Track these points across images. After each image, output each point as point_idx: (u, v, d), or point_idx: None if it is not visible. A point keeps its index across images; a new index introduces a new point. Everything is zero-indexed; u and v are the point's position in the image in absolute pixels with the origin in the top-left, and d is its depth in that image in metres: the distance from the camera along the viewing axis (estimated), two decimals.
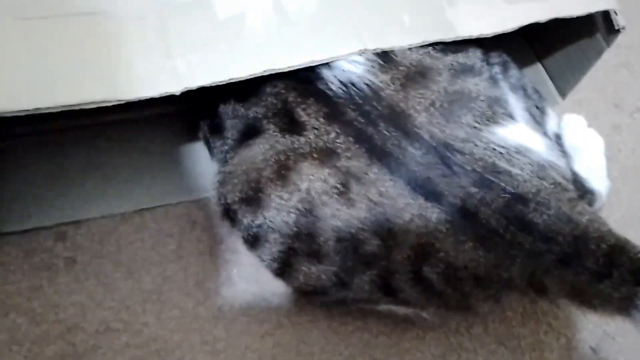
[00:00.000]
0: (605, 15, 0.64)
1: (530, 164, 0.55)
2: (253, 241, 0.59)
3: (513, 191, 0.53)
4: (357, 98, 0.55)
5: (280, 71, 0.52)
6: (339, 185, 0.53)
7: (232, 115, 0.60)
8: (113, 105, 0.49)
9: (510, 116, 0.57)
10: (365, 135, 0.54)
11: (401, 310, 0.63)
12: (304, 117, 0.55)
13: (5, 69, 0.48)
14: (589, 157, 0.69)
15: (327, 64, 0.55)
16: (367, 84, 0.55)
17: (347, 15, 0.56)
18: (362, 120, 0.54)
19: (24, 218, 0.71)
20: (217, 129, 0.62)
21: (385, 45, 0.55)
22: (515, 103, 0.60)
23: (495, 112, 0.56)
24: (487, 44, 0.62)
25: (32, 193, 0.72)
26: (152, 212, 0.74)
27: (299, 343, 0.68)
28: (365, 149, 0.54)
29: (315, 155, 0.54)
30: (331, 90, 0.55)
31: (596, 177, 0.68)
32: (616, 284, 0.52)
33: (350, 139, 0.54)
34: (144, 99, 0.49)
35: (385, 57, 0.56)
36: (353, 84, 0.55)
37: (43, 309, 0.67)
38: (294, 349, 0.68)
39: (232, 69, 0.52)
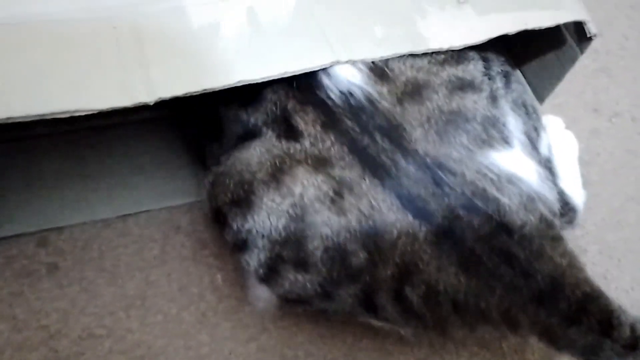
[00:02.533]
0: (578, 23, 0.65)
1: (519, 195, 0.54)
2: (241, 246, 0.58)
3: (499, 220, 0.53)
4: (354, 108, 0.55)
5: (254, 82, 0.52)
6: (331, 194, 0.53)
7: (232, 120, 0.60)
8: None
9: (506, 141, 0.57)
10: (360, 145, 0.54)
11: (379, 324, 0.63)
12: (301, 124, 0.55)
13: None
14: (565, 165, 0.70)
15: (327, 73, 0.56)
16: (365, 95, 0.55)
17: (319, 27, 0.56)
18: (358, 130, 0.54)
19: (5, 224, 0.70)
20: (214, 133, 0.61)
21: (357, 56, 0.55)
22: (514, 124, 0.59)
23: (491, 135, 0.56)
24: (490, 50, 0.62)
25: (14, 199, 0.71)
26: (135, 218, 0.73)
27: (284, 347, 0.68)
28: (359, 159, 0.54)
29: (309, 162, 0.54)
30: (330, 99, 0.55)
31: (574, 187, 0.69)
32: (583, 332, 0.53)
33: (345, 148, 0.54)
34: (117, 108, 0.49)
35: (383, 69, 0.57)
36: (352, 94, 0.55)
37: (25, 316, 0.67)
38: (279, 354, 0.68)
39: (206, 79, 0.52)
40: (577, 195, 0.70)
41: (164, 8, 0.55)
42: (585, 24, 0.64)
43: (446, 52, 0.59)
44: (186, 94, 0.51)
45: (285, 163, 0.55)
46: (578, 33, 0.66)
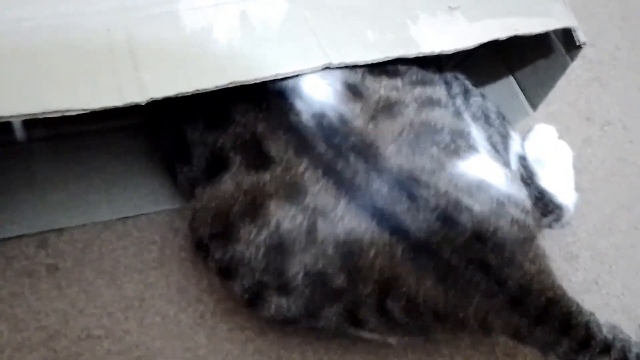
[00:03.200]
0: (568, 32, 0.67)
1: (490, 201, 0.56)
2: (225, 273, 0.59)
3: (473, 229, 0.54)
4: (327, 129, 0.55)
5: (245, 83, 0.52)
6: (305, 223, 0.54)
7: (198, 142, 0.60)
8: (95, 114, 0.49)
9: (473, 148, 0.58)
10: (335, 169, 0.54)
11: (368, 335, 0.64)
12: (272, 150, 0.55)
13: None
14: (558, 169, 0.72)
15: (298, 94, 0.55)
16: (338, 115, 0.55)
17: (312, 31, 0.56)
18: (332, 154, 0.54)
19: (6, 225, 0.71)
20: (183, 154, 0.62)
21: (349, 60, 0.55)
22: (477, 134, 0.61)
23: (459, 145, 0.57)
24: (448, 72, 0.65)
25: (15, 200, 0.72)
26: (135, 220, 0.74)
27: (280, 349, 0.69)
28: (334, 182, 0.53)
29: (281, 193, 0.54)
30: (302, 122, 0.55)
31: (564, 190, 0.71)
32: (547, 331, 0.57)
33: (319, 172, 0.54)
34: (108, 108, 0.49)
35: (355, 89, 0.57)
36: (324, 115, 0.55)
37: (25, 316, 0.68)
38: (275, 356, 0.69)
39: (198, 80, 0.52)
40: (565, 195, 0.71)
41: (157, 12, 0.56)
42: (574, 32, 0.65)
43: (416, 74, 0.60)
44: (178, 94, 0.51)
45: (257, 198, 0.55)
46: (568, 42, 0.67)
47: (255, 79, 0.52)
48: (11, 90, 0.49)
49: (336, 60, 0.55)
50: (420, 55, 0.58)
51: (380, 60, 0.56)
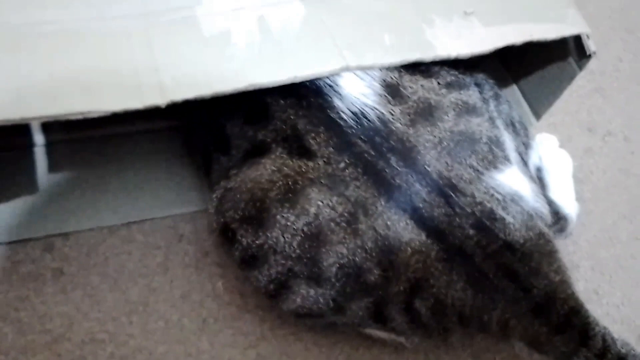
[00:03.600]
0: (577, 42, 0.67)
1: (521, 213, 0.57)
2: (251, 261, 0.59)
3: (505, 239, 0.56)
4: (368, 129, 0.56)
5: (264, 87, 0.53)
6: (346, 215, 0.54)
7: (239, 136, 0.60)
8: (104, 119, 0.50)
9: (507, 159, 0.60)
10: (376, 168, 0.55)
11: (381, 335, 0.65)
12: (313, 145, 0.56)
13: None
14: (560, 179, 0.73)
15: (338, 93, 0.56)
16: (378, 116, 0.56)
17: (329, 34, 0.57)
18: (373, 153, 0.55)
19: (13, 229, 0.72)
20: (223, 146, 0.61)
21: (366, 63, 0.56)
22: (509, 143, 0.62)
23: (496, 155, 0.58)
24: (479, 74, 0.65)
25: (21, 205, 0.73)
26: (140, 225, 0.75)
27: (282, 355, 0.69)
28: (374, 181, 0.54)
29: (323, 182, 0.55)
30: (343, 120, 0.56)
31: (567, 200, 0.72)
32: (566, 340, 0.58)
33: (360, 170, 0.55)
34: (129, 110, 0.50)
35: (394, 91, 0.58)
36: (364, 115, 0.56)
37: (30, 319, 0.68)
38: None
39: (217, 83, 0.52)
40: (569, 206, 0.72)
41: (176, 17, 0.57)
42: (586, 40, 0.65)
43: (449, 76, 0.61)
44: (197, 97, 0.52)
45: (298, 183, 0.55)
46: (577, 51, 0.68)
47: (274, 83, 0.53)
48: (33, 92, 0.50)
49: (353, 64, 0.55)
50: (437, 59, 0.58)
51: (398, 64, 0.57)
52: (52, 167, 0.76)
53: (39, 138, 0.76)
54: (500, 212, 0.56)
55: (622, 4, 1.04)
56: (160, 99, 0.51)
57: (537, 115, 0.80)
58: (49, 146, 0.77)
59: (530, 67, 0.79)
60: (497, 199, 0.56)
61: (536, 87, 0.80)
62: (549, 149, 0.77)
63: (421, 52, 0.58)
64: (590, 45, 0.66)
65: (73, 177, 0.75)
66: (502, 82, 0.85)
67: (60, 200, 0.74)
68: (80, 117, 0.49)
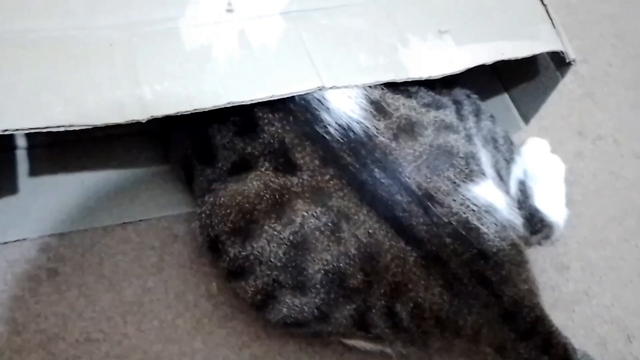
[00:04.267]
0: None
1: (495, 224, 0.60)
2: (238, 273, 0.61)
3: (479, 247, 0.58)
4: (353, 142, 0.58)
5: (243, 104, 0.55)
6: (330, 224, 0.57)
7: (227, 147, 0.61)
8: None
9: (483, 173, 0.62)
10: (359, 180, 0.57)
11: (366, 345, 0.67)
12: (299, 159, 0.58)
13: None
14: (549, 184, 0.74)
15: (325, 108, 0.58)
16: (364, 130, 0.58)
17: (306, 53, 0.59)
18: (357, 166, 0.57)
19: (8, 229, 0.72)
20: (208, 158, 0.63)
21: (341, 83, 0.58)
22: (485, 160, 0.65)
23: (472, 170, 0.61)
24: (459, 90, 0.68)
25: (17, 205, 0.73)
26: (135, 226, 0.75)
27: (275, 355, 0.70)
28: (357, 192, 0.57)
29: (307, 195, 0.57)
30: (329, 133, 0.58)
31: (555, 207, 0.74)
32: (531, 348, 0.61)
33: (344, 181, 0.57)
34: (110, 125, 0.51)
35: (378, 107, 0.60)
36: (351, 129, 0.58)
37: (24, 319, 0.68)
38: None
39: (197, 99, 0.54)
40: (556, 214, 0.74)
41: (159, 29, 0.58)
42: (562, 54, 0.67)
43: (427, 96, 0.64)
44: (177, 113, 0.53)
45: (284, 196, 0.57)
46: (559, 59, 0.69)
47: (252, 100, 0.55)
48: (15, 103, 0.51)
49: (328, 84, 0.57)
50: (410, 79, 0.60)
51: (371, 84, 0.59)
52: (47, 168, 0.76)
53: (32, 139, 0.77)
54: (475, 222, 0.59)
55: (611, 10, 1.05)
56: (140, 115, 0.52)
57: (526, 119, 0.83)
58: (44, 148, 0.77)
59: (518, 74, 0.81)
60: (473, 210, 0.59)
61: (524, 94, 0.82)
62: (540, 154, 0.78)
63: (394, 73, 0.60)
64: (570, 54, 0.67)
65: (67, 178, 0.76)
66: (493, 87, 0.86)
67: (55, 201, 0.74)
68: (61, 130, 0.50)
